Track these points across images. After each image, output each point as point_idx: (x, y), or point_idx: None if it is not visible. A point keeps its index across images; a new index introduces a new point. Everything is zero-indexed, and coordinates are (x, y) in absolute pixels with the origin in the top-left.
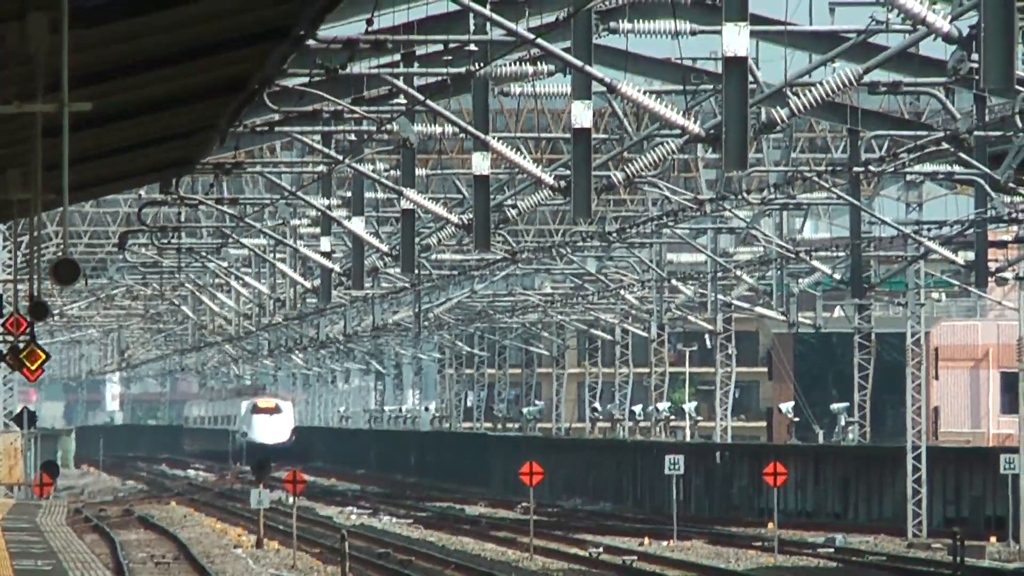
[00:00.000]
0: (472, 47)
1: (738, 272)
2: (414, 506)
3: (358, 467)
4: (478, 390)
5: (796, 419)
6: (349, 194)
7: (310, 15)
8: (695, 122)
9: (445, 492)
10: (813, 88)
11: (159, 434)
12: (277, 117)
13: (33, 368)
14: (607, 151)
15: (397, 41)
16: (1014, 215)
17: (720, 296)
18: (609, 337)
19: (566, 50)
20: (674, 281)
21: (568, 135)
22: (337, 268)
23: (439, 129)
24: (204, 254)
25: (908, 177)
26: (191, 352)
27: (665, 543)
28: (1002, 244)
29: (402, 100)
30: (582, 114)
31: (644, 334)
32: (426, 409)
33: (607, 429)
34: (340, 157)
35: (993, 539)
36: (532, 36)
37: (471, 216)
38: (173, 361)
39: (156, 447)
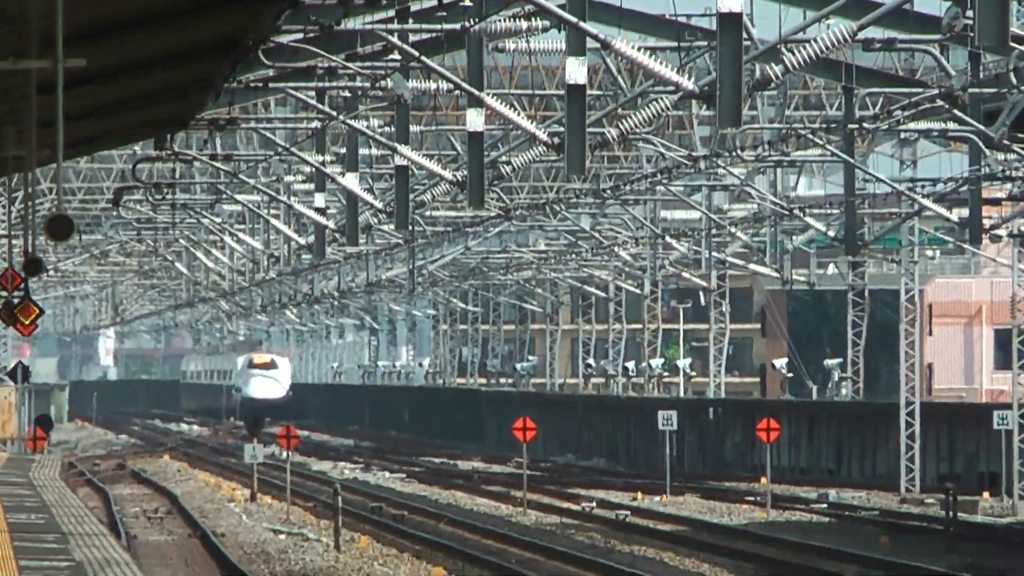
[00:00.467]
0: (467, 3)
1: (732, 229)
2: (407, 461)
3: (351, 423)
4: (472, 346)
5: (790, 376)
6: (343, 150)
7: None
8: (689, 79)
9: (438, 447)
10: (807, 45)
11: (153, 389)
12: (271, 73)
13: (27, 323)
14: (601, 108)
15: None
16: (1008, 172)
17: (714, 253)
18: (603, 294)
19: (560, 6)
20: (668, 238)
21: (562, 92)
22: (331, 224)
23: (433, 85)
24: (198, 210)
25: (902, 134)
26: (185, 308)
27: (658, 498)
28: (996, 201)
29: (396, 56)
30: (576, 71)
31: (638, 291)
32: (420, 365)
33: (600, 385)
34: (334, 113)
35: (986, 494)
36: None
37: (465, 173)
38: (167, 317)
39: (150, 402)
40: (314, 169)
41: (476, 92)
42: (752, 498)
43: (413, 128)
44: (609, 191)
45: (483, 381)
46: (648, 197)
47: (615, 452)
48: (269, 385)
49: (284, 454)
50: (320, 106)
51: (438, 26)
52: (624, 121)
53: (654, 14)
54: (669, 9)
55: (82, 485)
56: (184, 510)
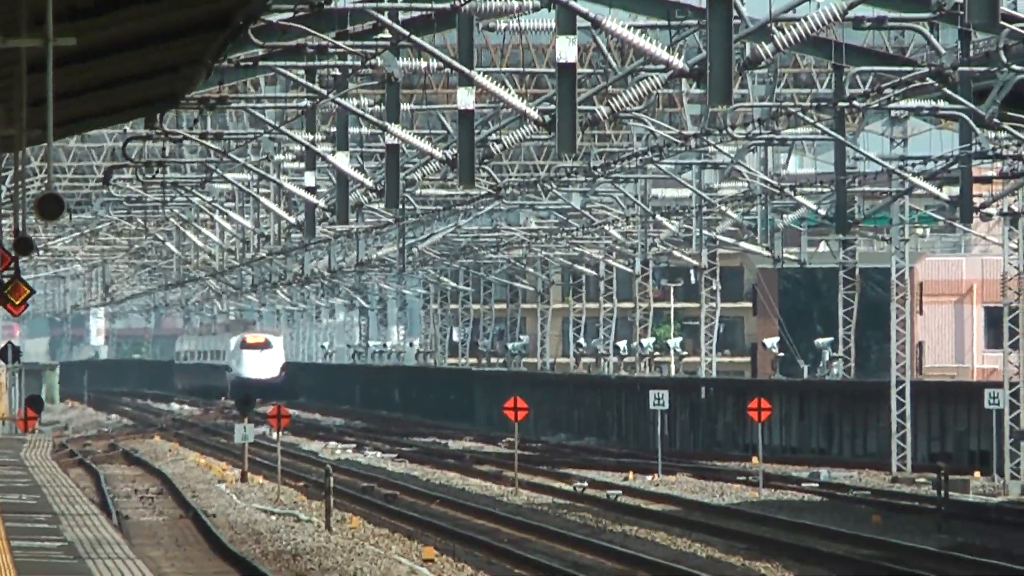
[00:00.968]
0: None
1: (723, 207)
2: (398, 441)
3: (342, 402)
4: (463, 326)
5: (781, 354)
6: (333, 129)
7: None
8: (680, 57)
9: (430, 427)
10: (798, 23)
11: (144, 369)
12: (261, 52)
13: (17, 303)
14: (592, 86)
15: None
16: (998, 151)
17: (705, 231)
18: (594, 273)
19: None
20: (659, 216)
21: (553, 70)
22: (321, 203)
23: (424, 64)
24: (188, 189)
25: (893, 113)
26: (176, 287)
27: (649, 478)
28: (986, 180)
29: (387, 35)
30: (567, 49)
31: (629, 269)
32: (411, 345)
33: (592, 364)
34: (324, 92)
35: (977, 474)
36: None
37: (455, 151)
38: (158, 296)
39: (141, 382)
40: (304, 148)
41: (466, 70)
42: (744, 477)
43: (403, 106)
44: (600, 169)
45: (474, 360)
46: (639, 175)
47: (606, 431)
48: (263, 365)
49: (275, 434)
50: (310, 84)
51: (428, 4)
52: (614, 99)
53: None
54: None
55: (73, 465)
56: (175, 490)
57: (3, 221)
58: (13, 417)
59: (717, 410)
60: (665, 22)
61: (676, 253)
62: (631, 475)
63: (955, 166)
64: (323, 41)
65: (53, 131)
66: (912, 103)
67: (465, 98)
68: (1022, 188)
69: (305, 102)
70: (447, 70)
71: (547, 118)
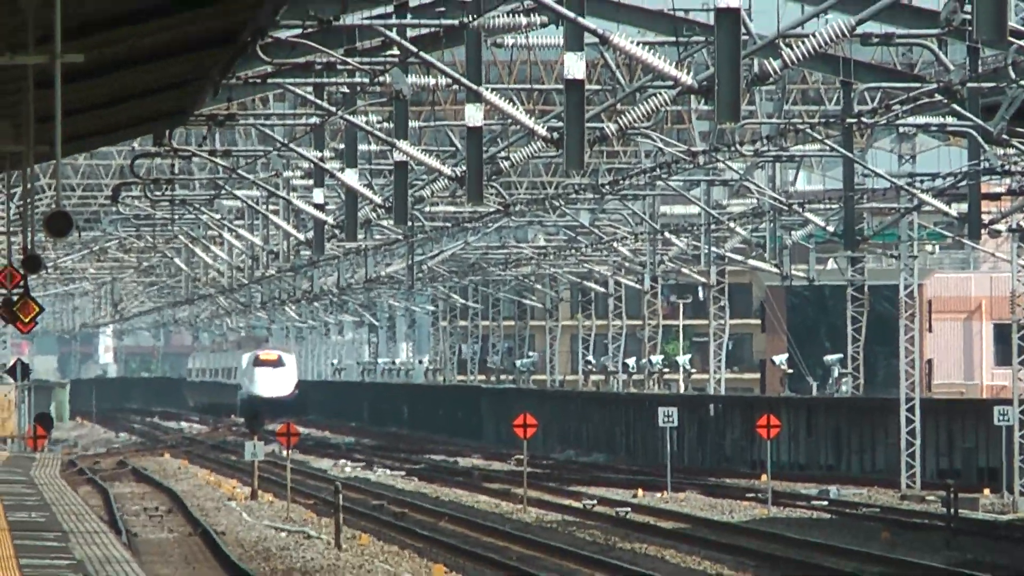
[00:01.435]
0: None
1: (731, 224)
2: (408, 458)
3: (352, 420)
4: (472, 342)
5: (789, 371)
6: (342, 146)
7: None
8: (688, 74)
9: (438, 444)
10: (806, 39)
11: (153, 386)
12: (270, 69)
13: (26, 321)
14: (600, 102)
15: None
16: (1007, 167)
17: (713, 248)
18: (602, 289)
19: (558, 1)
20: (667, 233)
21: (561, 87)
22: (330, 220)
23: (432, 81)
24: (197, 206)
25: (901, 129)
26: (184, 305)
27: (659, 495)
28: (995, 196)
29: (395, 52)
30: (575, 65)
31: (637, 286)
32: (420, 362)
33: (600, 381)
34: (333, 109)
35: (986, 491)
36: None
37: (464, 168)
38: (166, 313)
39: (150, 400)
40: (313, 165)
41: (475, 87)
42: (753, 494)
43: (412, 123)
44: (608, 186)
45: (483, 378)
46: (647, 192)
47: (615, 448)
48: (276, 382)
49: (284, 452)
50: (319, 101)
51: (437, 21)
52: (623, 116)
53: (652, 9)
54: (667, 4)
55: (82, 483)
56: (185, 508)
57: (12, 238)
58: (22, 435)
59: (726, 427)
60: (673, 38)
61: (685, 270)
62: (640, 492)
63: (964, 182)
64: (331, 58)
65: (61, 148)
66: (920, 119)
67: (473, 115)
68: None
69: (314, 119)
70: (455, 87)
71: (555, 135)
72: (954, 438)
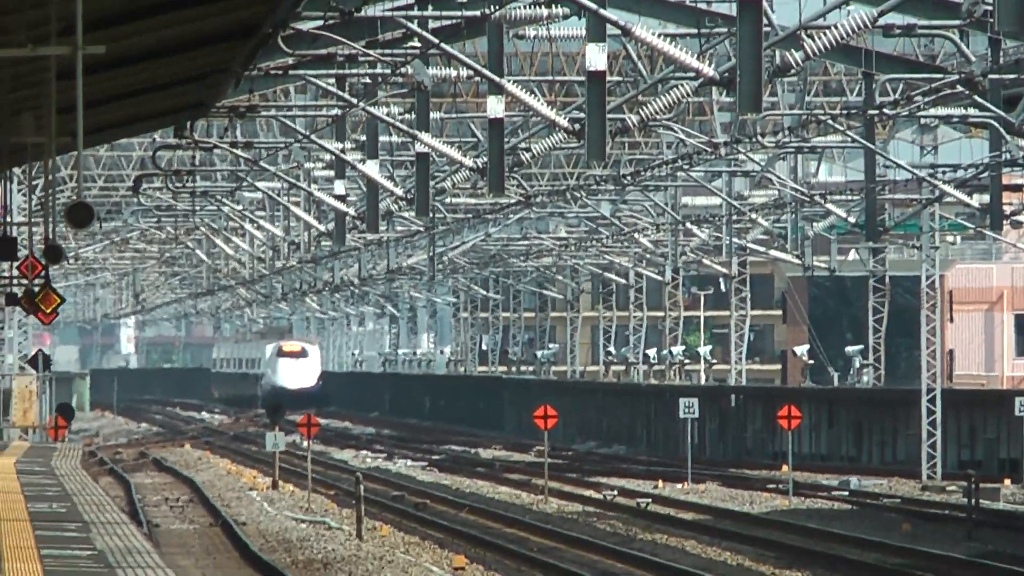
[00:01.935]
0: None
1: (753, 215)
2: (428, 449)
3: (372, 410)
4: (493, 334)
5: (811, 362)
6: (363, 137)
7: None
8: (709, 65)
9: (459, 435)
10: (828, 31)
11: (174, 377)
12: (291, 60)
13: (48, 311)
14: (621, 94)
15: None
16: None
17: (735, 239)
18: (623, 281)
19: None
20: (689, 224)
21: (582, 78)
22: (351, 211)
23: (454, 72)
24: (218, 197)
25: (923, 120)
26: (206, 296)
27: (679, 486)
28: (1016, 187)
29: (416, 43)
30: (596, 57)
31: (659, 278)
32: (441, 352)
33: (621, 373)
34: (354, 100)
35: (1007, 481)
36: None
37: (485, 159)
38: (188, 304)
39: (171, 391)
40: (334, 156)
41: (496, 79)
42: (773, 486)
43: (433, 115)
44: (629, 177)
45: (504, 369)
46: (668, 183)
47: (636, 440)
48: (299, 373)
49: (305, 442)
50: (340, 93)
51: (458, 13)
52: (644, 107)
53: (674, 1)
54: None
55: (103, 474)
56: (205, 498)
57: (34, 229)
58: (43, 426)
59: (747, 418)
60: (695, 30)
61: (706, 261)
62: (661, 483)
63: (985, 174)
64: (353, 49)
65: (83, 139)
66: (942, 111)
67: (495, 106)
68: None
69: (335, 110)
70: (477, 78)
71: (577, 126)
72: (975, 429)
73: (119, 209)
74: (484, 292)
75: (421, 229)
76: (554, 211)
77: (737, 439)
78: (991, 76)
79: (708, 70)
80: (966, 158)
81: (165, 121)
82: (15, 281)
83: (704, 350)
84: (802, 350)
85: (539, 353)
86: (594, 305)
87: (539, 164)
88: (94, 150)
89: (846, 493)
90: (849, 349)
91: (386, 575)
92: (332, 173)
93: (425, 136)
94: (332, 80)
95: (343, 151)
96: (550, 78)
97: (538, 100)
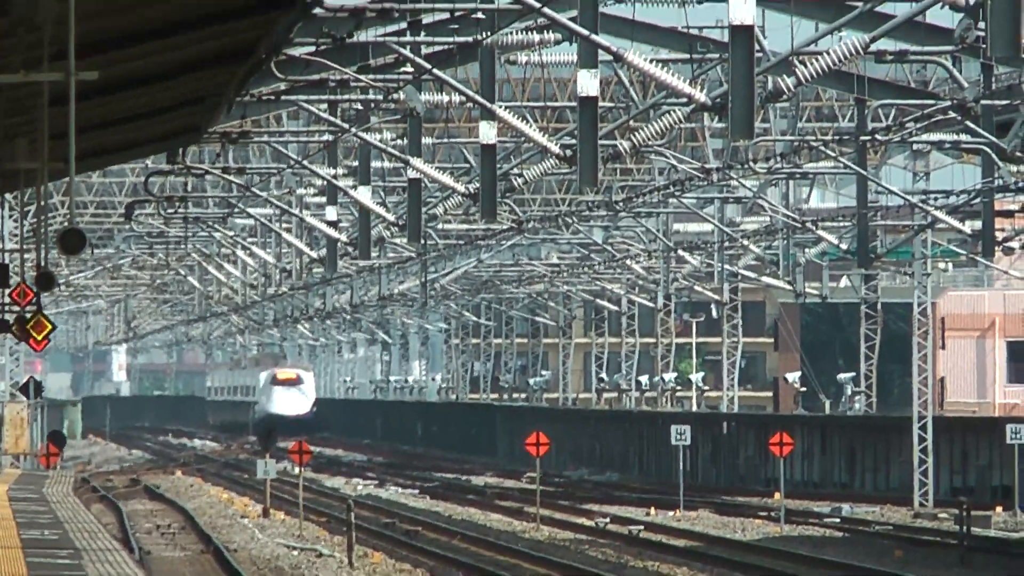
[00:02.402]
0: (479, 15)
1: (745, 242)
2: (420, 476)
3: (364, 437)
4: (484, 360)
5: (803, 389)
6: (355, 163)
7: None
8: (701, 91)
9: (451, 462)
10: (820, 57)
11: (166, 404)
12: (283, 86)
13: (39, 338)
14: (613, 120)
15: (404, 9)
16: (1021, 184)
17: (727, 266)
18: (615, 307)
19: (572, 19)
20: (680, 251)
21: (574, 104)
22: (343, 238)
23: (446, 98)
24: (210, 224)
25: (915, 146)
26: (198, 322)
27: (671, 513)
28: (1009, 213)
29: (409, 69)
30: (588, 83)
31: (650, 304)
32: (432, 379)
33: (613, 399)
34: (346, 126)
35: (999, 508)
36: (538, 5)
37: (478, 185)
38: (180, 331)
39: (164, 418)
40: (326, 182)
41: (488, 104)
42: (765, 513)
43: (425, 140)
44: (621, 203)
45: (495, 395)
46: (661, 210)
47: (628, 466)
48: (294, 401)
49: (296, 469)
50: (332, 119)
51: (450, 39)
52: (636, 133)
53: (666, 26)
54: (681, 21)
55: (95, 501)
56: (197, 525)
57: (25, 256)
58: (35, 453)
59: (739, 445)
60: (687, 56)
61: (698, 287)
62: (653, 510)
63: (977, 200)
64: (345, 75)
65: (75, 165)
66: (934, 137)
67: (487, 132)
68: None
69: (327, 136)
70: (469, 104)
71: (569, 152)
72: (967, 456)
73: (111, 235)
74: (476, 318)
75: (413, 255)
76: (546, 237)
77: (729, 466)
78: (983, 102)
79: (700, 96)
80: (958, 184)
81: (158, 147)
82: (7, 308)
83: (696, 377)
84: (794, 377)
85: (531, 380)
86: (586, 332)
87: (531, 190)
88: (86, 176)
89: (838, 520)
90: (841, 376)
91: None
92: (324, 199)
93: (417, 162)
94: (324, 106)
95: (335, 177)
96: (542, 104)
97: (530, 126)
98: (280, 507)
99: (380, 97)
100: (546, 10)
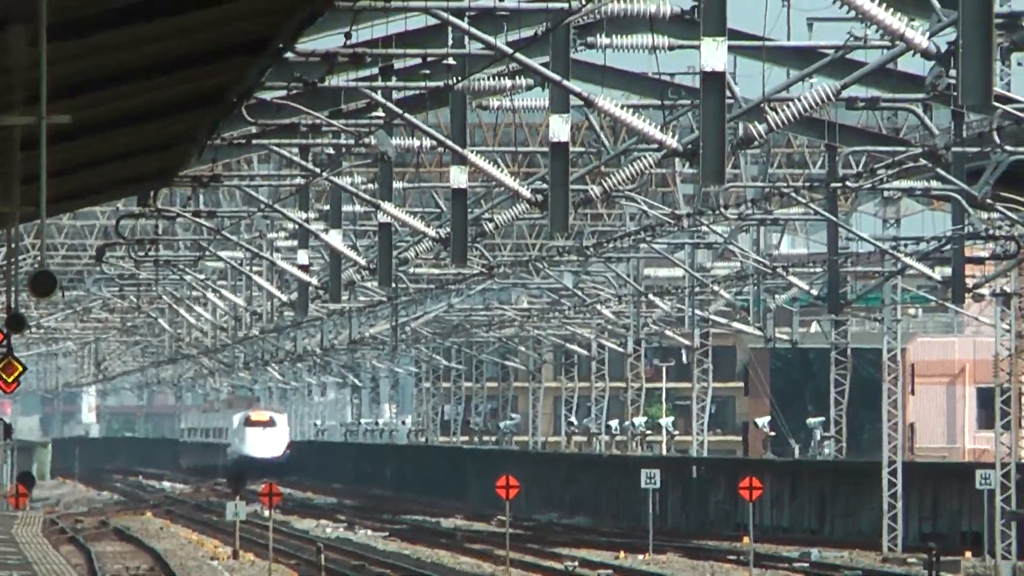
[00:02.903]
0: (450, 61)
1: (715, 287)
2: (390, 519)
3: (335, 480)
4: (455, 404)
5: (772, 434)
6: (326, 207)
7: (289, 29)
8: (673, 137)
9: (422, 505)
10: (791, 103)
11: (137, 447)
12: (255, 130)
13: (10, 380)
14: (584, 165)
15: (375, 55)
16: (991, 231)
17: (697, 311)
18: (586, 352)
19: (544, 64)
20: (651, 296)
21: (546, 149)
22: (314, 281)
23: (417, 142)
24: (181, 267)
25: (885, 193)
26: (168, 365)
27: (641, 557)
28: (979, 260)
29: (380, 113)
30: (560, 128)
31: (621, 349)
32: (403, 422)
33: (583, 443)
34: (318, 170)
35: (968, 554)
36: (510, 50)
37: (448, 230)
38: (150, 373)
39: (134, 460)
40: (297, 226)
41: (459, 149)
42: (735, 557)
43: (396, 185)
44: (592, 248)
45: (466, 438)
46: (631, 255)
47: (598, 510)
48: (267, 443)
49: (266, 512)
50: (303, 163)
51: (422, 83)
52: (607, 179)
53: (637, 72)
54: (653, 67)
55: (64, 542)
56: (167, 567)
57: None
58: (4, 494)
59: (709, 489)
60: (658, 101)
61: (668, 333)
62: (622, 554)
63: (947, 246)
64: (317, 119)
65: (47, 208)
66: (905, 183)
67: (458, 177)
68: (1014, 269)
69: (298, 180)
70: (440, 148)
71: (540, 197)
72: (937, 501)
73: (81, 278)
74: (446, 362)
75: (384, 299)
76: (516, 282)
77: (699, 510)
78: (954, 149)
79: (671, 142)
80: (928, 231)
81: (129, 190)
82: None
83: (666, 421)
84: (763, 422)
85: (501, 423)
86: (556, 376)
87: (502, 235)
88: (57, 219)
89: (807, 565)
90: (811, 421)
91: None
92: (295, 243)
93: (388, 206)
94: (295, 150)
95: (306, 221)
96: (513, 148)
97: (501, 171)
98: (250, 549)
99: (351, 141)
100: (518, 55)
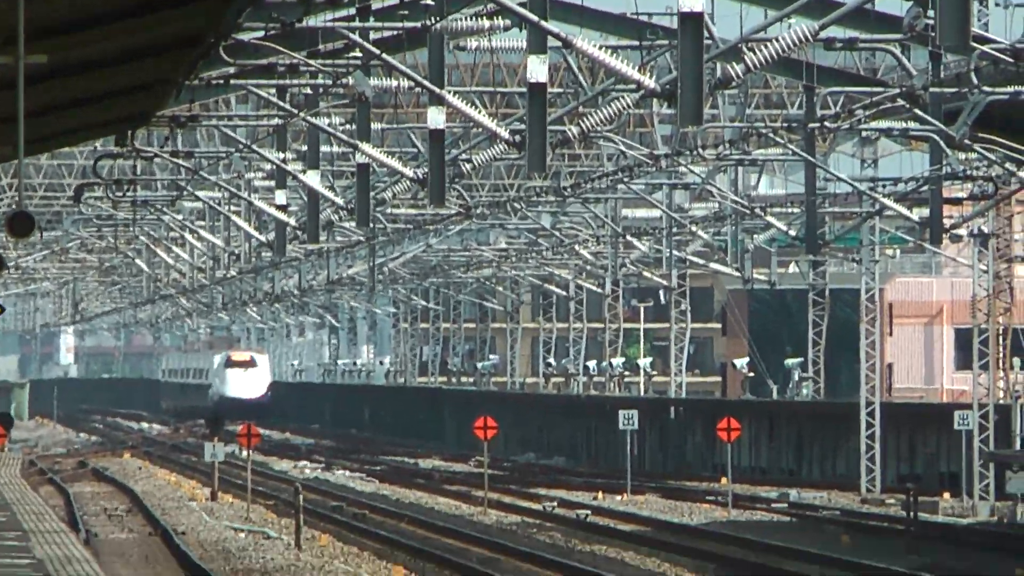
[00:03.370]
0: (428, 1)
1: (693, 228)
2: (368, 460)
3: (313, 422)
4: (433, 345)
5: (750, 375)
6: (304, 148)
7: None
8: (650, 77)
9: (399, 446)
10: (769, 44)
11: (114, 387)
12: (232, 71)
13: None
14: (562, 106)
15: None
16: (969, 172)
17: (675, 252)
18: (563, 292)
19: (522, 5)
20: (629, 237)
21: (523, 90)
22: (292, 222)
23: (394, 83)
24: (159, 207)
25: (863, 133)
26: (146, 305)
27: (619, 497)
28: (957, 201)
29: (358, 54)
30: (537, 69)
31: (598, 290)
32: (381, 363)
33: (561, 384)
34: (295, 111)
35: (946, 495)
36: None
37: (426, 170)
38: (128, 314)
39: (111, 401)
40: (275, 166)
41: (437, 90)
42: (713, 498)
43: (374, 126)
44: (570, 189)
45: (444, 380)
46: (609, 195)
47: (576, 451)
48: (248, 383)
49: (244, 453)
50: (281, 103)
51: (399, 24)
52: (585, 119)
53: (615, 13)
54: (630, 8)
55: (43, 483)
56: (145, 508)
57: None
58: None
59: (687, 430)
60: (636, 42)
61: (646, 273)
62: (600, 494)
63: (925, 187)
64: (294, 60)
65: (24, 149)
66: (883, 124)
67: (436, 117)
68: (992, 209)
69: (276, 121)
70: (418, 89)
71: (517, 138)
72: (915, 443)
73: (59, 218)
74: (424, 303)
75: (361, 240)
76: (494, 222)
77: (677, 451)
78: (932, 90)
79: (649, 82)
80: (907, 171)
81: (106, 131)
82: None
83: (644, 362)
84: (742, 363)
85: (479, 364)
86: (534, 316)
87: (479, 175)
88: (35, 159)
89: (785, 505)
90: (789, 362)
91: None
92: (273, 183)
93: (366, 147)
94: (273, 90)
95: (284, 161)
96: (491, 89)
97: (479, 111)
98: (228, 490)
99: (329, 82)
100: None
